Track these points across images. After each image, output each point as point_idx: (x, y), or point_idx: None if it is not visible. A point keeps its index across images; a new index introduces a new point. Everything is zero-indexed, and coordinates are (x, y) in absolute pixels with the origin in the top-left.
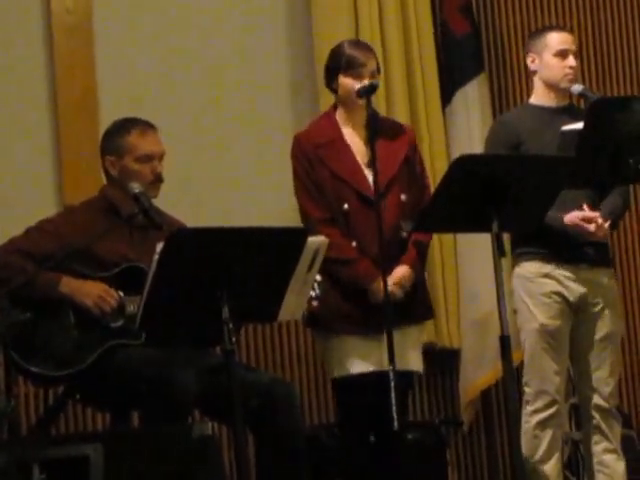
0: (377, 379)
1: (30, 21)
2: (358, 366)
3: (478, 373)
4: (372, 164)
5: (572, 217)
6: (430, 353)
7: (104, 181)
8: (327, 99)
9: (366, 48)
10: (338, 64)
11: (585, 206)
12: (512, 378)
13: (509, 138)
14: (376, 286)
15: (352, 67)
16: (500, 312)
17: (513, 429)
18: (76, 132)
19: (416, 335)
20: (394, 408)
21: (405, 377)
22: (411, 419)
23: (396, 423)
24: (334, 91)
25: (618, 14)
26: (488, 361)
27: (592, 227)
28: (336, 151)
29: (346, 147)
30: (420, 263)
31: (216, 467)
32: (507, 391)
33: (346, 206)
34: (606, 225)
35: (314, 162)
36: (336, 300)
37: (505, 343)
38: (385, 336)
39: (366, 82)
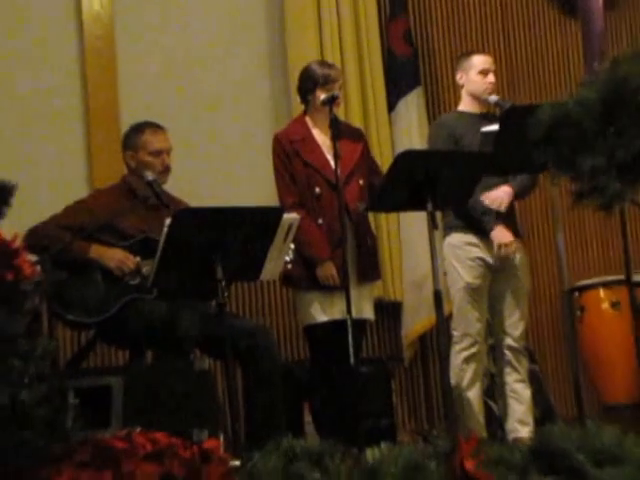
0: (338, 325)
1: (67, 46)
2: (323, 315)
3: (416, 320)
4: (334, 157)
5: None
6: (379, 305)
7: (125, 171)
8: (298, 105)
9: (335, 67)
10: (316, 81)
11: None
12: (443, 324)
13: (449, 134)
14: (322, 268)
15: (327, 83)
16: (434, 272)
17: (444, 364)
18: (103, 133)
19: (369, 291)
20: (351, 348)
21: (360, 324)
22: (364, 356)
23: (352, 359)
24: (308, 102)
25: (526, 39)
26: (424, 311)
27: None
28: (308, 146)
29: (315, 143)
30: None
31: (212, 394)
32: (439, 334)
33: (317, 190)
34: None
35: (290, 154)
36: (305, 264)
37: (438, 297)
38: (343, 292)
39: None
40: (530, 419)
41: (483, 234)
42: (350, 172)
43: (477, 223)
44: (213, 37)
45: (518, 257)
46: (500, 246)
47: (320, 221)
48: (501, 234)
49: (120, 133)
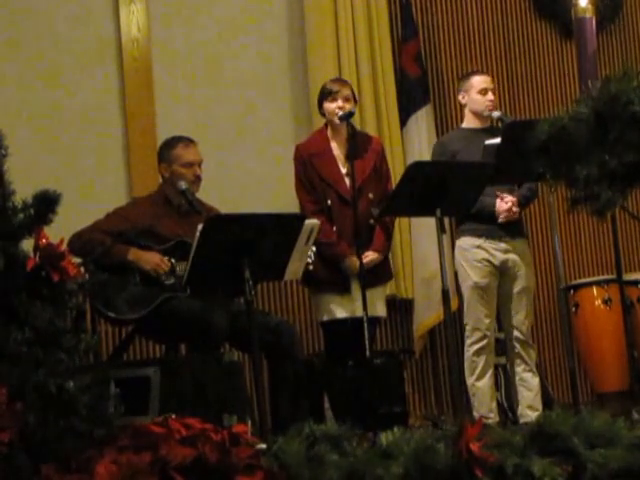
0: (354, 322)
1: (109, 67)
2: (341, 313)
3: (426, 316)
4: (351, 176)
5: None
6: (392, 302)
7: (160, 180)
8: (318, 120)
9: (339, 80)
10: (322, 95)
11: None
12: (450, 319)
13: (445, 152)
14: (348, 262)
15: (330, 94)
16: (442, 273)
17: (452, 355)
18: (141, 147)
19: (382, 290)
20: (366, 341)
21: (374, 320)
22: (378, 349)
23: (368, 352)
24: (323, 115)
25: (526, 60)
26: (433, 307)
27: (505, 203)
28: (325, 161)
29: (332, 157)
30: (388, 242)
31: (240, 383)
32: (447, 328)
33: (329, 202)
34: (514, 209)
35: (308, 166)
36: (324, 267)
37: (445, 295)
38: (358, 292)
39: (347, 110)
40: (539, 405)
41: (490, 237)
42: (360, 187)
43: (485, 226)
44: (241, 59)
45: (522, 259)
46: (502, 214)
47: (334, 228)
48: (500, 206)
49: (156, 146)
